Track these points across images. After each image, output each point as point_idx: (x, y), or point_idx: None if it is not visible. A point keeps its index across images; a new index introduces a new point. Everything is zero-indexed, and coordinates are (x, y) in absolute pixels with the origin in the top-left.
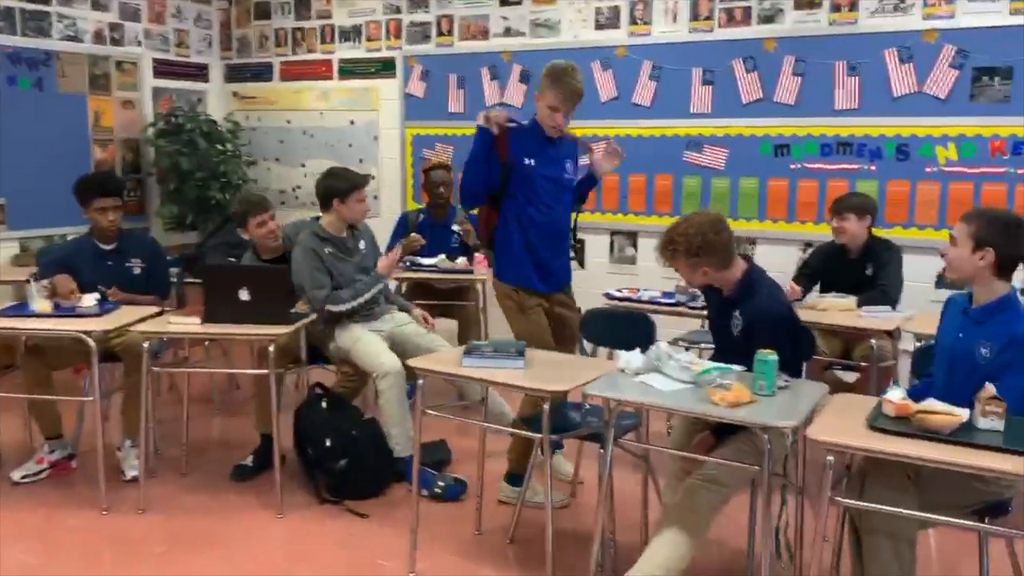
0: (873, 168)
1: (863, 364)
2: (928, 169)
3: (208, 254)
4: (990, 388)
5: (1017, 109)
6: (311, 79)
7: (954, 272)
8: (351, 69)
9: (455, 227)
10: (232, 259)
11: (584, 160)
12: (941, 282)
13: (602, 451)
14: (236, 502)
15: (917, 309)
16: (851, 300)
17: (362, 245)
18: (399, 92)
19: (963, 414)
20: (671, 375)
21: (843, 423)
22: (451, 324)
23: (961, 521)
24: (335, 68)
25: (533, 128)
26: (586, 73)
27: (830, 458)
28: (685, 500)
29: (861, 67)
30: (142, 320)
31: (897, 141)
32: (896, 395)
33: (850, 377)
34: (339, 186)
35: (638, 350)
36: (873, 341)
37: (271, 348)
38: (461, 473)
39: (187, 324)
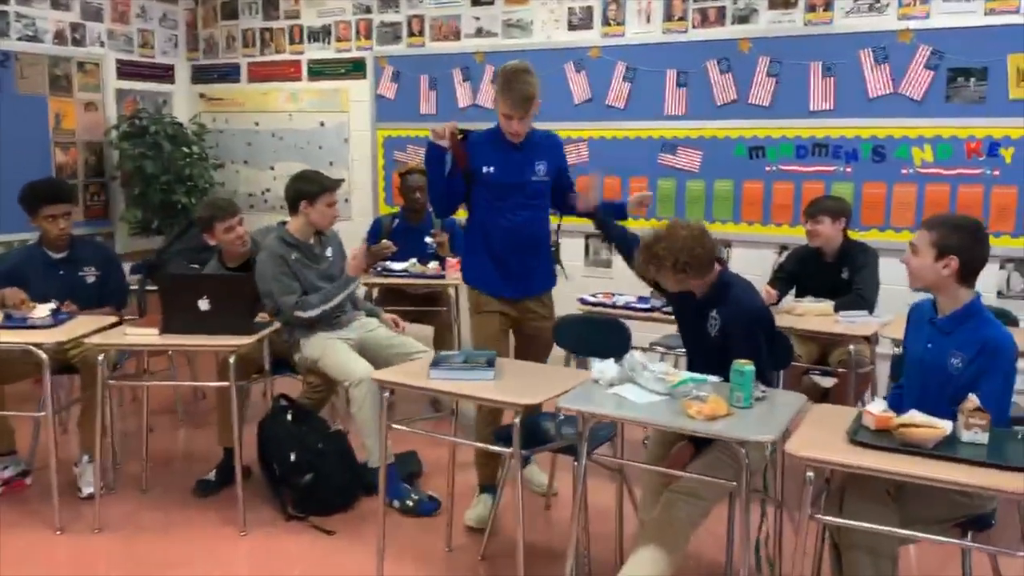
0: (849, 170)
1: (841, 370)
2: (904, 171)
3: (171, 261)
4: (974, 399)
5: (992, 110)
6: (280, 80)
7: (917, 281)
8: (320, 70)
9: (428, 239)
10: (196, 265)
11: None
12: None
13: (576, 464)
14: (198, 519)
15: (894, 313)
16: (828, 305)
17: (328, 252)
18: (370, 93)
19: (946, 426)
20: (646, 386)
21: (823, 436)
22: (427, 330)
23: (944, 538)
24: (304, 69)
25: (496, 134)
26: (559, 74)
27: (810, 474)
28: (663, 514)
29: (836, 68)
30: (98, 331)
31: (873, 143)
32: (876, 407)
33: (827, 382)
34: (308, 189)
35: (612, 360)
36: (851, 347)
37: (232, 359)
38: (433, 485)
39: (145, 335)
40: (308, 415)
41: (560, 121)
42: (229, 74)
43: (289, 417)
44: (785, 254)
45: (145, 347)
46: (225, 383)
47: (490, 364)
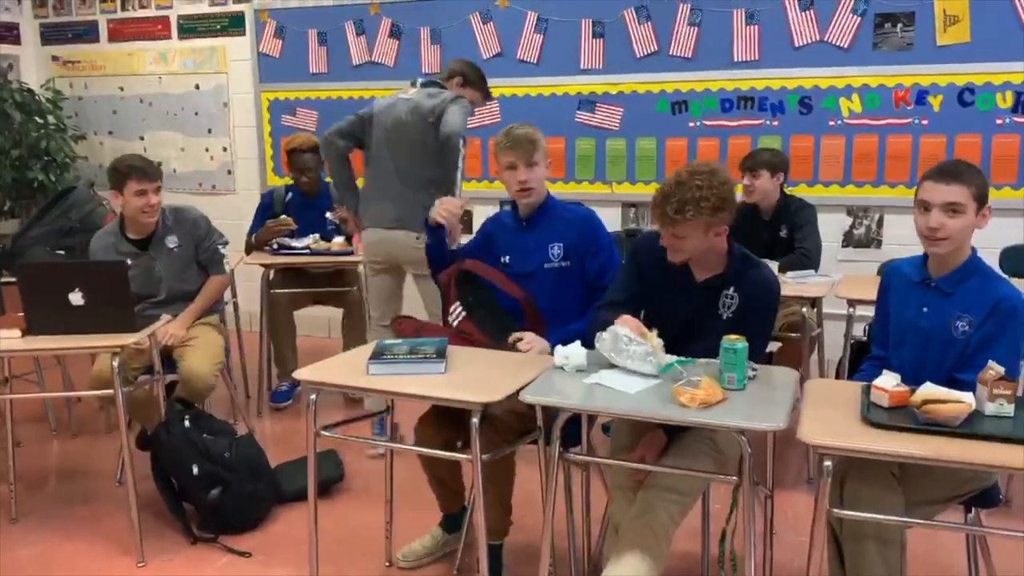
0: (776, 123)
1: (793, 335)
2: (832, 122)
3: (31, 248)
4: (998, 368)
5: (920, 57)
6: (145, 39)
7: (952, 244)
8: (193, 27)
9: (330, 215)
10: (62, 252)
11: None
12: (848, 241)
13: (547, 464)
14: (85, 550)
15: (828, 271)
16: (773, 265)
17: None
18: (251, 51)
19: (969, 399)
20: (629, 366)
21: (830, 418)
22: (335, 313)
23: (964, 526)
24: (174, 26)
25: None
26: (464, 28)
27: (828, 463)
28: (643, 518)
29: (760, 14)
30: None
31: (800, 93)
32: (888, 382)
33: (770, 347)
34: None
35: (578, 342)
36: (803, 309)
37: (115, 363)
38: (357, 493)
39: (4, 338)
40: (209, 419)
41: None
42: (86, 33)
43: (187, 423)
44: None
45: (6, 353)
46: (108, 391)
47: (440, 355)
